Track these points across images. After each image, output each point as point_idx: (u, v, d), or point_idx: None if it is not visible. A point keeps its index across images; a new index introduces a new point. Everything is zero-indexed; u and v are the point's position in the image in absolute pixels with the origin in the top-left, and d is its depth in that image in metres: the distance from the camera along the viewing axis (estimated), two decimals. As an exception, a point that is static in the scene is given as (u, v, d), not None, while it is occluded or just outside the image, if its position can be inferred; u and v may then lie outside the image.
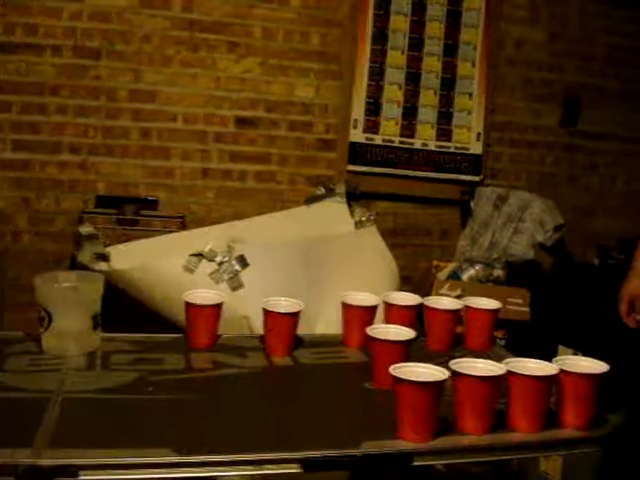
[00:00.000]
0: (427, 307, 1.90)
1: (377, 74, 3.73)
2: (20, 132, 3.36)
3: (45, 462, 1.20)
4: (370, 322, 1.83)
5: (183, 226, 3.48)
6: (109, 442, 1.28)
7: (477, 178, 3.91)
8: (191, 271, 2.64)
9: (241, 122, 3.61)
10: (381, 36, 3.71)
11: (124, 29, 3.41)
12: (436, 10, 3.77)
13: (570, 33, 3.99)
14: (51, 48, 3.34)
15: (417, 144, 3.81)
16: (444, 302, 1.93)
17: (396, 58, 3.74)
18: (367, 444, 1.33)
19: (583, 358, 1.53)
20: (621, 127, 4.07)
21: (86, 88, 3.41)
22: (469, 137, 3.87)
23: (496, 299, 1.94)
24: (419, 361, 1.45)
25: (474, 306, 1.90)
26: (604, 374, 1.47)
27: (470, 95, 3.85)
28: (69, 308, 1.70)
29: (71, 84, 3.38)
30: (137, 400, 1.49)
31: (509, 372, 1.42)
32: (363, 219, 3.20)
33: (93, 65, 3.40)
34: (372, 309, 1.89)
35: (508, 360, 1.48)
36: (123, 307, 2.56)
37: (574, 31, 4.00)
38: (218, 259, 2.67)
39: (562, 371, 1.44)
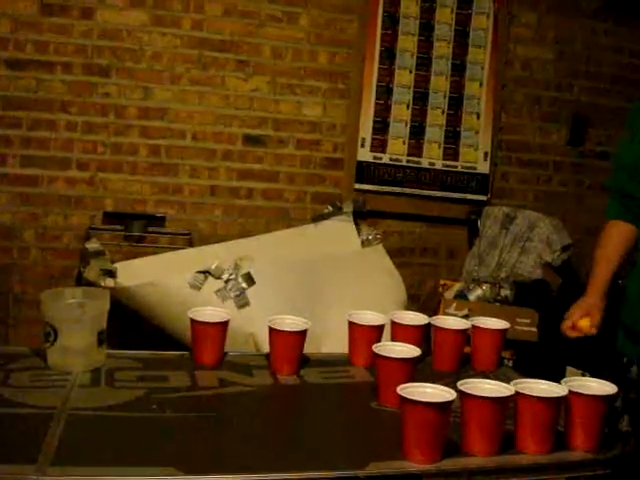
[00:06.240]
0: (434, 327, 1.89)
1: (385, 93, 3.73)
2: (29, 148, 3.38)
3: (48, 479, 1.19)
4: (377, 341, 1.82)
5: (190, 243, 3.49)
6: (113, 460, 1.27)
7: (484, 197, 3.90)
8: (197, 288, 2.64)
9: (249, 140, 3.62)
10: (389, 55, 3.73)
11: (134, 47, 3.43)
12: (444, 30, 3.78)
13: (577, 52, 4.00)
14: (61, 65, 3.36)
15: (424, 163, 3.81)
16: (451, 322, 1.92)
17: (404, 77, 3.75)
18: (373, 465, 1.32)
19: (591, 379, 1.52)
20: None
21: (95, 105, 3.42)
22: (476, 156, 3.87)
23: (504, 319, 1.94)
24: (426, 381, 1.44)
25: (482, 326, 1.89)
26: (613, 396, 1.46)
27: (477, 114, 3.85)
28: (75, 324, 1.71)
29: (80, 101, 3.40)
30: (142, 418, 1.48)
31: (517, 393, 1.40)
32: (370, 238, 3.20)
33: (103, 82, 3.42)
34: (379, 328, 1.88)
35: (516, 381, 1.47)
36: (129, 324, 2.56)
37: (581, 50, 4.01)
38: (225, 276, 2.67)
39: (571, 392, 1.43)
